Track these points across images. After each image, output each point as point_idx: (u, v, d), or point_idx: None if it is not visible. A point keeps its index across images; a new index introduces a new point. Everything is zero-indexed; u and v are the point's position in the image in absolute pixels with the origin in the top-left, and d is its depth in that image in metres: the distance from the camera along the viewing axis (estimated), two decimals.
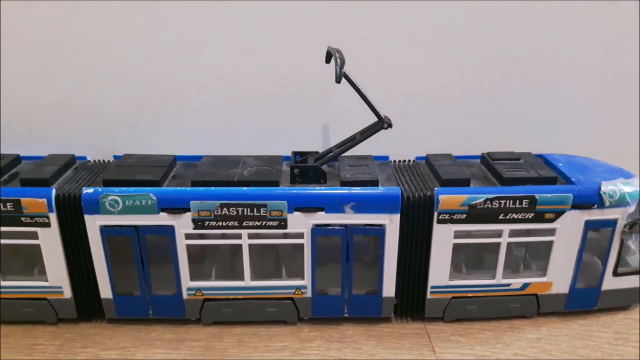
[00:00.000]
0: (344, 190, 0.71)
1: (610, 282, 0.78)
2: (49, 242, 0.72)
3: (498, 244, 0.74)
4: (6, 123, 0.87)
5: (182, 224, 0.71)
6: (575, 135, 0.92)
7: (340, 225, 0.72)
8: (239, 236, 0.73)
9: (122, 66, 0.85)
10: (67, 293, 0.75)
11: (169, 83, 0.87)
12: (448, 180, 0.73)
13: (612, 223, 0.74)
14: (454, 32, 0.85)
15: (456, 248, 0.74)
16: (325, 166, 0.76)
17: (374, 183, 0.72)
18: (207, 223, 0.71)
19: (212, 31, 0.84)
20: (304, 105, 0.88)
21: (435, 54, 0.86)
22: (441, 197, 0.71)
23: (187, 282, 0.75)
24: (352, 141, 0.75)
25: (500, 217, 0.72)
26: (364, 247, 0.76)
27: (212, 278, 0.76)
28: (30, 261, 0.76)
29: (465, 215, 0.72)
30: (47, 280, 0.75)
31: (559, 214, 0.73)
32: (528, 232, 0.75)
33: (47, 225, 0.71)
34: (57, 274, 0.74)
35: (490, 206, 0.72)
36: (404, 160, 0.84)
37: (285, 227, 0.72)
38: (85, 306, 0.77)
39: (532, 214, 0.72)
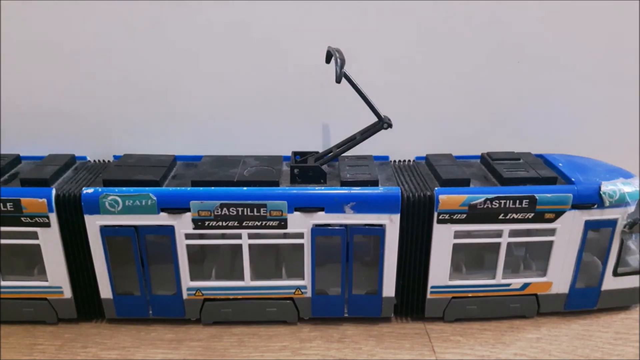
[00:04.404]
0: (344, 190, 0.71)
1: (610, 282, 0.78)
2: (49, 242, 0.72)
3: (498, 244, 0.74)
4: (6, 123, 0.87)
5: (182, 224, 0.71)
6: (575, 135, 0.92)
7: (340, 225, 0.72)
8: (239, 236, 0.73)
9: (122, 66, 0.85)
10: (67, 293, 0.75)
11: (169, 83, 0.87)
12: (448, 180, 0.74)
13: (612, 223, 0.74)
14: (454, 32, 0.85)
15: (456, 248, 0.74)
16: (325, 166, 0.76)
17: (374, 183, 0.72)
18: (207, 223, 0.71)
19: (212, 31, 0.84)
20: (304, 105, 0.88)
21: (435, 53, 0.86)
22: (441, 197, 0.71)
23: (187, 282, 0.75)
24: (352, 141, 0.75)
25: (500, 217, 0.72)
26: (364, 247, 0.76)
27: (212, 278, 0.76)
28: (30, 261, 0.76)
29: (465, 215, 0.72)
30: (47, 280, 0.75)
31: (559, 214, 0.73)
32: (528, 232, 0.75)
33: (47, 225, 0.71)
34: (57, 274, 0.74)
35: (490, 206, 0.72)
36: (404, 160, 0.84)
37: (285, 227, 0.72)
38: (85, 306, 0.77)
39: (532, 214, 0.72)
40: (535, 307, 0.79)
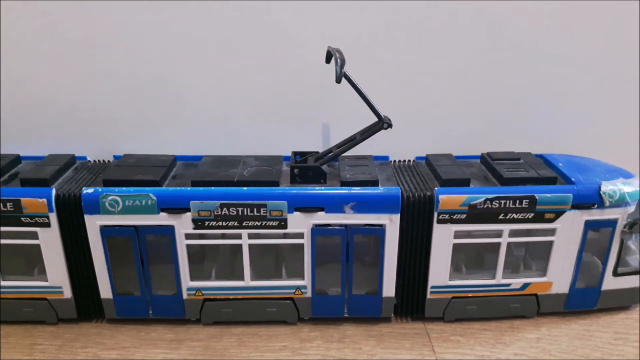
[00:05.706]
0: (344, 190, 0.71)
1: (610, 282, 0.78)
2: (49, 242, 0.72)
3: (498, 244, 0.74)
4: (6, 123, 0.87)
5: (182, 224, 0.71)
6: (575, 135, 0.92)
7: (340, 225, 0.72)
8: (239, 236, 0.73)
9: (122, 66, 0.85)
10: (67, 293, 0.75)
11: (168, 83, 0.87)
12: (448, 180, 0.74)
13: (612, 223, 0.74)
14: (454, 32, 0.85)
15: (456, 248, 0.74)
16: (325, 166, 0.76)
17: (374, 183, 0.72)
18: (207, 223, 0.71)
19: (212, 31, 0.84)
20: (304, 105, 0.88)
21: (435, 54, 0.86)
22: (441, 197, 0.71)
23: (187, 282, 0.75)
24: (352, 141, 0.75)
25: (500, 217, 0.72)
26: (364, 247, 0.76)
27: (212, 278, 0.76)
28: (30, 261, 0.76)
29: (465, 215, 0.72)
30: (47, 280, 0.75)
31: (559, 214, 0.73)
32: (528, 232, 0.75)
33: (47, 225, 0.71)
34: (57, 274, 0.74)
35: (490, 206, 0.72)
36: (404, 160, 0.84)
37: (285, 227, 0.72)
38: (85, 306, 0.77)
39: (532, 214, 0.72)
40: (535, 307, 0.79)
